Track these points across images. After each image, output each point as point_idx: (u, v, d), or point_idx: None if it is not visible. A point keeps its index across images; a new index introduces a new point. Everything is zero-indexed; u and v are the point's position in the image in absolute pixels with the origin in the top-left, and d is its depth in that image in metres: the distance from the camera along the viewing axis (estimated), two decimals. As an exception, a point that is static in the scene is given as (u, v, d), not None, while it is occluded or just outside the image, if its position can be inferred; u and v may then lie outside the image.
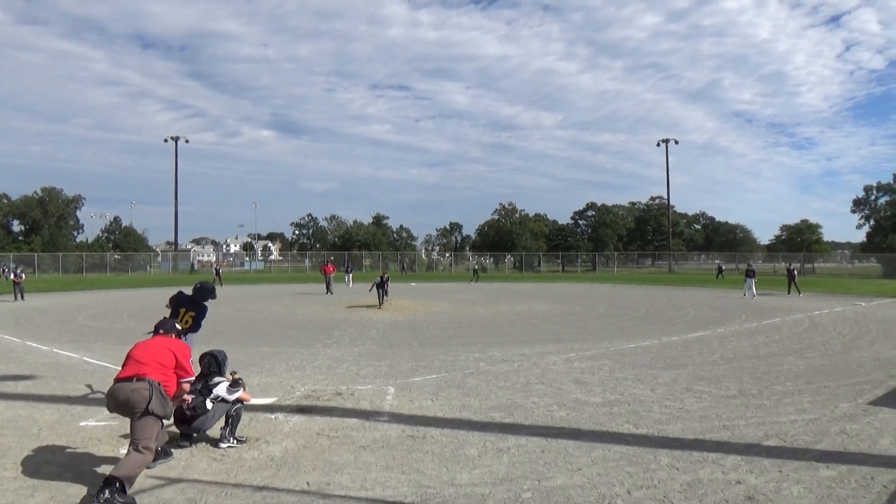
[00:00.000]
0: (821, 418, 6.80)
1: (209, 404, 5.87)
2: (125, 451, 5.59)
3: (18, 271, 28.19)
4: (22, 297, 26.14)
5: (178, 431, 5.95)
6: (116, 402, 4.84)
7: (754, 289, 27.28)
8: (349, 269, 40.53)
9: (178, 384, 5.22)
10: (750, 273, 27.95)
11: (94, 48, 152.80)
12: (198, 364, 6.06)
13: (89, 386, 8.59)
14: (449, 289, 35.74)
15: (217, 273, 43.34)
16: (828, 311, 20.62)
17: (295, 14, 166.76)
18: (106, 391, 4.96)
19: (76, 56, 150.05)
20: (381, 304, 22.00)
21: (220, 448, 5.75)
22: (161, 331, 5.48)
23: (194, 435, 5.93)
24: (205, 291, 7.39)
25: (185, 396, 5.64)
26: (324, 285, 32.46)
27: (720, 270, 51.37)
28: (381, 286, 22.55)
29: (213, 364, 6.16)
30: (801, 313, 19.55)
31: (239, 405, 6.04)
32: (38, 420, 6.74)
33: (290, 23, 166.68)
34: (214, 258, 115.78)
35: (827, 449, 5.72)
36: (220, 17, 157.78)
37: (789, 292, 28.93)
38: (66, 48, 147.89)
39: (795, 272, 30.18)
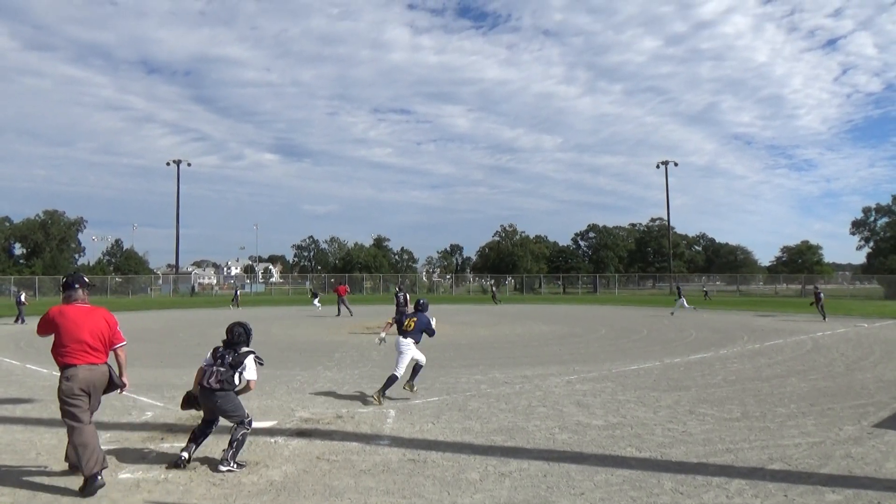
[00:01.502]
0: (825, 441, 6.74)
1: (237, 379, 5.88)
2: (125, 474, 5.55)
3: (25, 294, 28.64)
4: (23, 320, 26.26)
5: (189, 439, 5.96)
6: (85, 384, 5.31)
7: (685, 303, 31.73)
8: (315, 294, 40.82)
9: (115, 353, 5.68)
10: (679, 291, 33.10)
11: (99, 73, 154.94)
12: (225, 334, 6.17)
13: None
14: (450, 311, 35.65)
15: (236, 295, 43.30)
16: (830, 332, 20.53)
17: (298, 39, 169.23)
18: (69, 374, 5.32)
19: (82, 81, 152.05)
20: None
21: (219, 471, 5.68)
22: (76, 285, 5.58)
23: (201, 439, 5.95)
24: (426, 306, 9.86)
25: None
26: (335, 307, 31.41)
27: (706, 294, 55.42)
28: (400, 310, 18.95)
29: (243, 335, 6.13)
30: (804, 335, 19.47)
31: (245, 430, 5.91)
32: (36, 444, 6.69)
33: (294, 48, 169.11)
34: (215, 280, 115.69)
35: (832, 472, 5.66)
36: (224, 42, 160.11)
37: (825, 318, 26.11)
38: (71, 73, 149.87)
39: (822, 295, 27.89)
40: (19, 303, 27.39)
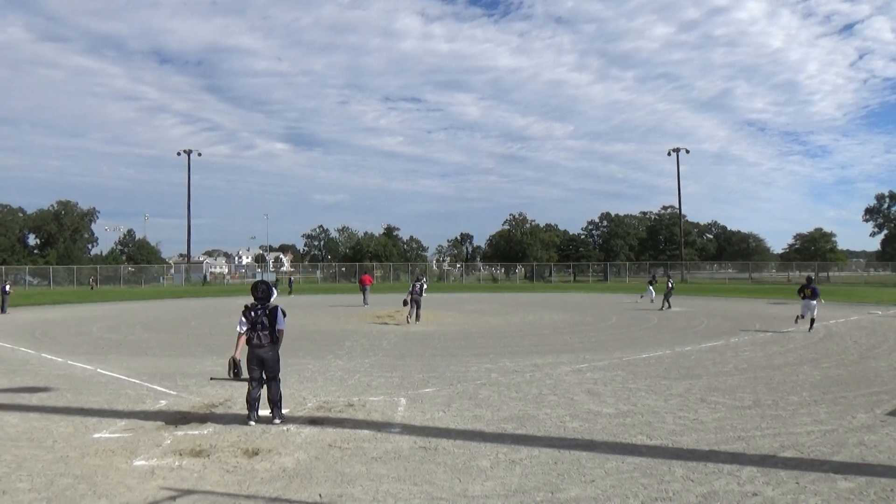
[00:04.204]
0: (838, 429, 6.71)
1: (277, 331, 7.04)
2: (140, 461, 5.63)
3: (10, 285, 28.39)
4: (4, 310, 25.98)
5: (248, 407, 6.98)
6: None
7: (654, 294, 30.37)
8: (274, 284, 39.35)
9: None
10: (652, 282, 32.38)
11: (112, 64, 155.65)
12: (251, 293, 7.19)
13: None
14: (460, 299, 35.69)
15: (290, 283, 43.25)
16: (843, 320, 20.38)
17: (310, 28, 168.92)
18: None
19: (95, 72, 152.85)
20: (414, 318, 19.80)
21: (275, 424, 6.89)
22: None
23: (258, 402, 7.00)
24: (813, 280, 15.92)
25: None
26: (360, 296, 31.24)
27: (653, 279, 56.48)
28: (413, 297, 19.83)
29: (267, 291, 7.15)
30: (817, 322, 19.30)
31: (280, 387, 7.16)
32: (52, 432, 6.79)
33: (305, 37, 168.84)
34: (226, 269, 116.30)
35: (845, 460, 5.63)
36: (236, 32, 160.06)
37: (662, 308, 25.66)
38: (85, 64, 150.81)
39: (672, 284, 27.68)
40: (4, 292, 26.57)
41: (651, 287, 31.06)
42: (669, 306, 25.98)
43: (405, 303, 20.11)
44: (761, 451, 5.94)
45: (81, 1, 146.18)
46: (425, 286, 20.59)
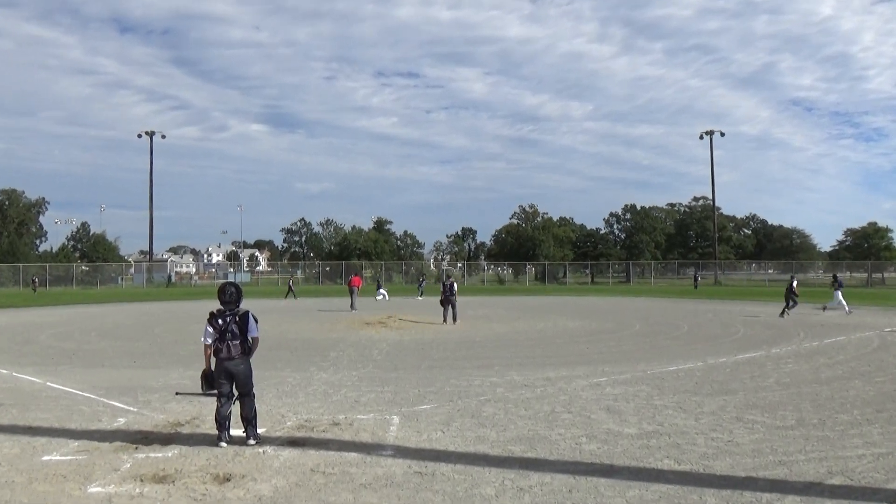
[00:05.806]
0: (893, 452, 6.72)
1: (249, 340, 7.09)
2: (95, 488, 5.64)
3: None
4: None
5: (218, 427, 6.94)
6: None
7: (840, 297, 26.39)
8: (380, 284, 41.87)
9: None
10: (837, 285, 27.23)
11: (66, 33, 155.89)
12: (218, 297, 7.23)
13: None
14: (462, 303, 35.70)
15: (290, 288, 43.73)
16: (900, 328, 20.38)
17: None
18: None
19: (47, 42, 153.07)
20: (451, 319, 22.64)
21: (249, 445, 6.88)
22: None
23: (229, 420, 6.97)
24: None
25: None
26: (348, 300, 31.40)
27: (696, 280, 59.89)
28: (447, 297, 22.92)
29: (235, 294, 7.14)
30: (870, 331, 19.34)
31: (255, 402, 7.15)
32: (-5, 454, 6.79)
33: (287, 2, 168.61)
34: (194, 268, 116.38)
35: (901, 488, 5.64)
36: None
37: (785, 312, 24.82)
38: (35, 33, 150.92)
39: (795, 286, 25.86)
40: None
41: (839, 293, 26.68)
42: (788, 312, 24.75)
43: (442, 303, 23.10)
44: (805, 477, 5.95)
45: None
46: (455, 285, 23.74)
